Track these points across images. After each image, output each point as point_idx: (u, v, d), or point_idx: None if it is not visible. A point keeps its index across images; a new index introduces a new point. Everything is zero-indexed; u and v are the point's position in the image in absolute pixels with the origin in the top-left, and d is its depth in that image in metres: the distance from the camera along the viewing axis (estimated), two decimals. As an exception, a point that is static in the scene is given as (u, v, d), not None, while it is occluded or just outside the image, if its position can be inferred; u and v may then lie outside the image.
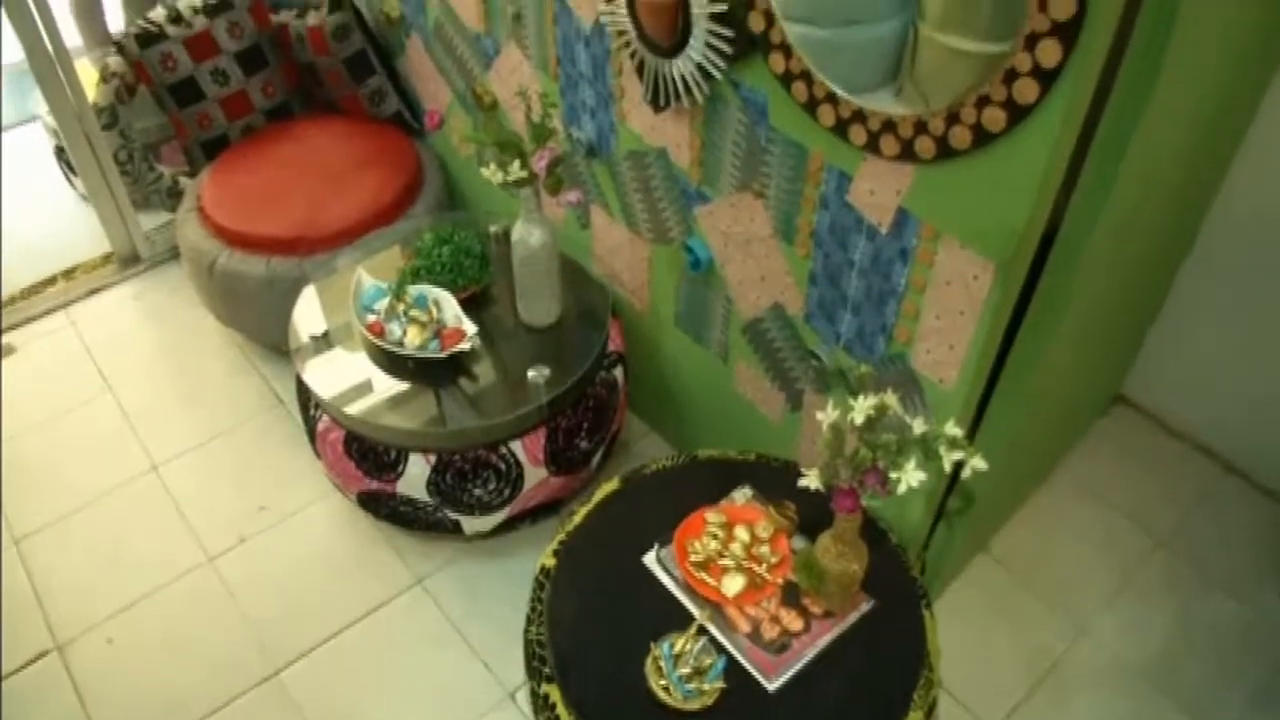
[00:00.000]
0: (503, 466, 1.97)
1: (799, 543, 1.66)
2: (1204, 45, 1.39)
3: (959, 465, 1.29)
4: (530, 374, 1.95)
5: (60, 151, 3.18)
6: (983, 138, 1.28)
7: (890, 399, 1.33)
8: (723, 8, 1.51)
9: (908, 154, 1.39)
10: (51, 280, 2.98)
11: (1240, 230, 2.09)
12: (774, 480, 1.77)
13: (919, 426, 1.32)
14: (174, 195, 2.98)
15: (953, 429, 1.29)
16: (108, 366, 2.72)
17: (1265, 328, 2.16)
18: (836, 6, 1.39)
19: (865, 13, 1.38)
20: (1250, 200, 2.05)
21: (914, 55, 1.36)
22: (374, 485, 2.01)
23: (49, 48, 2.58)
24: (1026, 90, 1.20)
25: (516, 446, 1.96)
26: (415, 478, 1.96)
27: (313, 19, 2.64)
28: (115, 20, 3.62)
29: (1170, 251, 2.15)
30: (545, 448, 1.99)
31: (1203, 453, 2.42)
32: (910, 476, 1.29)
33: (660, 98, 1.73)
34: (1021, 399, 1.65)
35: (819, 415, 1.36)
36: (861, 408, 1.31)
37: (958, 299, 1.46)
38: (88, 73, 2.82)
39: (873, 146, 1.43)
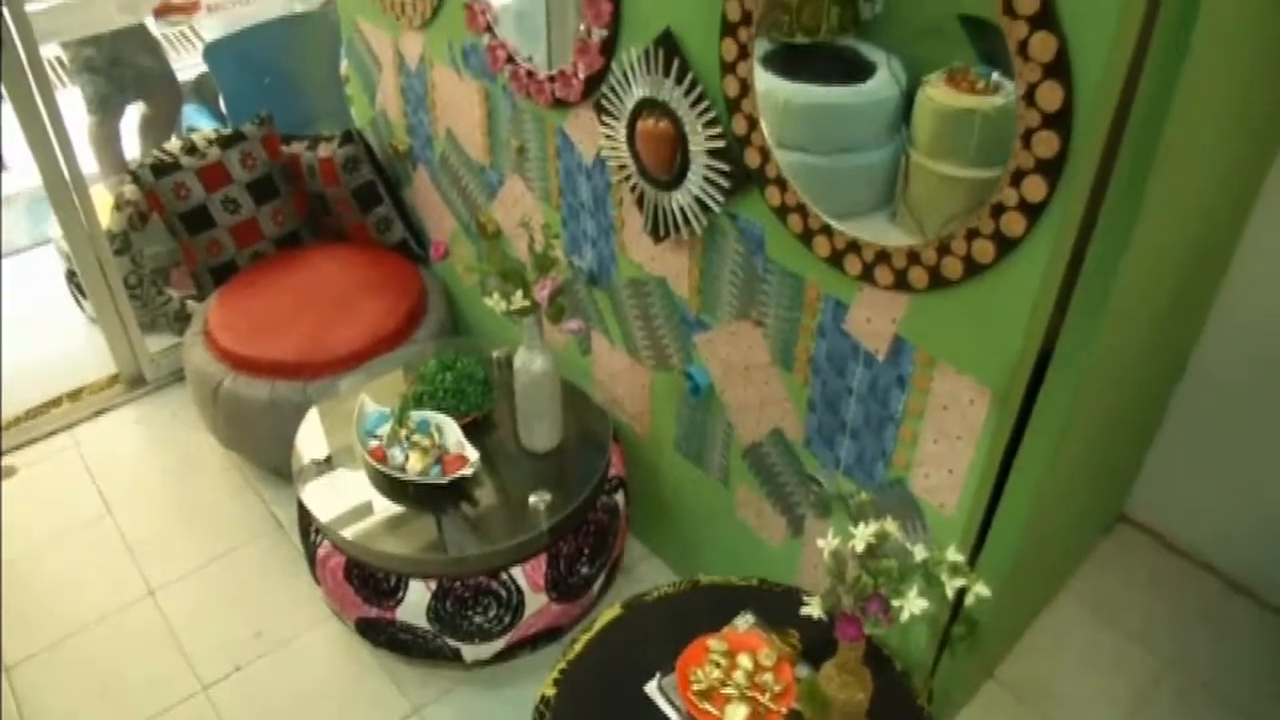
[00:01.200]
0: (504, 593, 1.95)
1: (803, 671, 1.64)
2: (1186, 173, 1.44)
3: (962, 592, 1.29)
4: (532, 499, 1.95)
5: (71, 275, 3.25)
6: (974, 269, 1.32)
7: (890, 526, 1.33)
8: (720, 144, 1.57)
9: (902, 284, 1.43)
10: (56, 401, 3.00)
11: (1234, 344, 2.12)
12: (776, 606, 1.75)
13: (920, 553, 1.32)
14: (181, 318, 3.03)
15: (954, 555, 1.29)
16: (109, 489, 2.72)
17: (1265, 442, 2.16)
18: (831, 135, 1.46)
19: (859, 140, 1.45)
20: (1242, 314, 2.08)
21: (907, 180, 1.41)
22: (373, 612, 1.99)
23: (66, 174, 2.66)
24: (1014, 224, 1.25)
25: (518, 573, 1.95)
26: (415, 605, 1.94)
27: (324, 150, 2.73)
28: (131, 147, 3.76)
29: (1166, 368, 2.18)
30: (547, 574, 1.98)
31: (1208, 571, 2.41)
32: (913, 604, 1.28)
33: (660, 229, 1.79)
34: (1023, 522, 1.66)
35: (820, 543, 1.36)
36: (862, 535, 1.31)
37: (955, 424, 1.48)
38: (102, 199, 2.90)
39: (868, 276, 1.47)
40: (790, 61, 1.51)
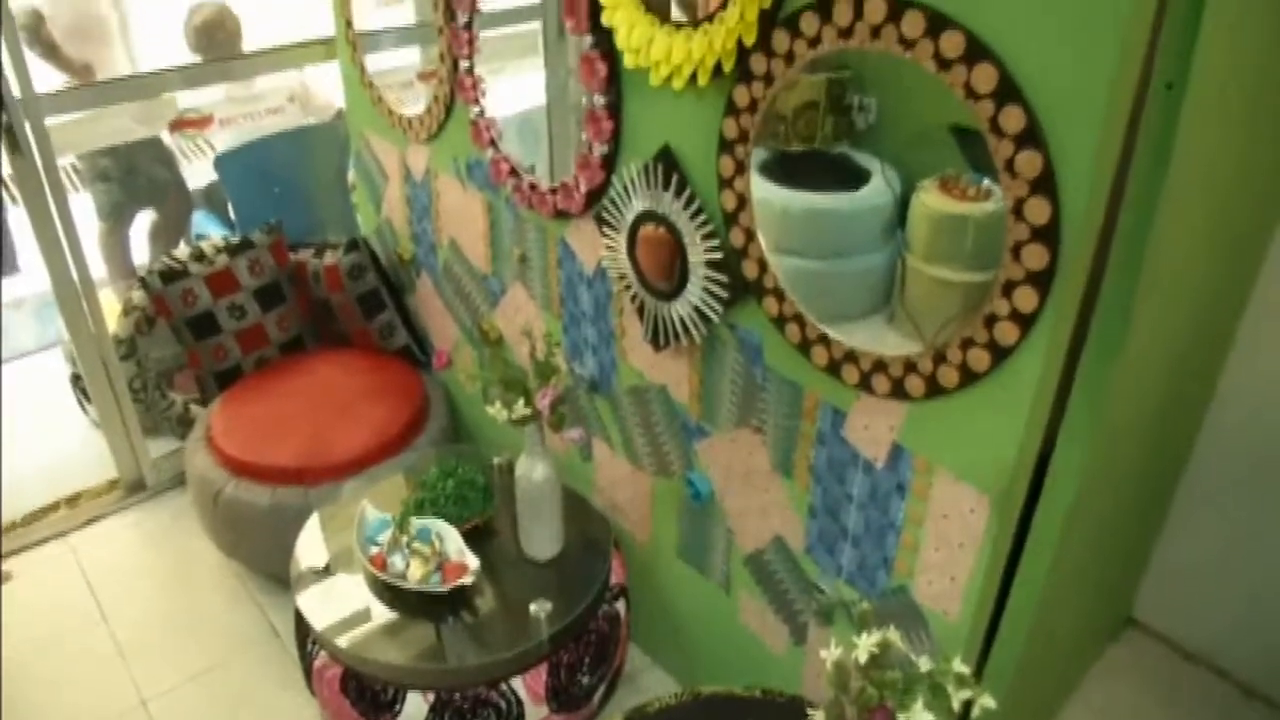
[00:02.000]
0: (503, 704, 1.92)
1: (808, 786, 1.60)
2: (1176, 278, 1.47)
3: (968, 704, 1.27)
4: (532, 608, 1.93)
5: (76, 379, 3.27)
6: (970, 377, 1.34)
7: (893, 636, 1.32)
8: (718, 256, 1.61)
9: (899, 392, 1.44)
10: (55, 506, 2.99)
11: (1235, 439, 2.12)
12: (780, 718, 1.72)
13: (925, 664, 1.30)
14: (184, 423, 3.04)
15: (960, 666, 1.28)
16: (105, 595, 2.69)
17: (1271, 540, 2.15)
18: (828, 240, 1.49)
19: (855, 245, 1.48)
20: (1241, 408, 2.08)
21: (903, 284, 1.44)
22: (370, 725, 1.95)
23: (75, 279, 2.70)
24: (1007, 333, 1.27)
25: (517, 683, 1.92)
26: (413, 718, 1.91)
27: (329, 258, 2.79)
28: (140, 253, 3.83)
29: (1167, 466, 2.18)
30: (547, 684, 1.95)
31: (1220, 676, 2.36)
32: (918, 717, 1.27)
33: (660, 338, 1.82)
34: (1027, 630, 1.64)
35: (823, 654, 1.35)
36: (864, 645, 1.30)
37: (956, 531, 1.48)
38: (110, 304, 2.94)
39: (865, 385, 1.49)
40: (787, 169, 1.55)
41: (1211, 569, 2.29)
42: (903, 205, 1.46)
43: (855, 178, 1.52)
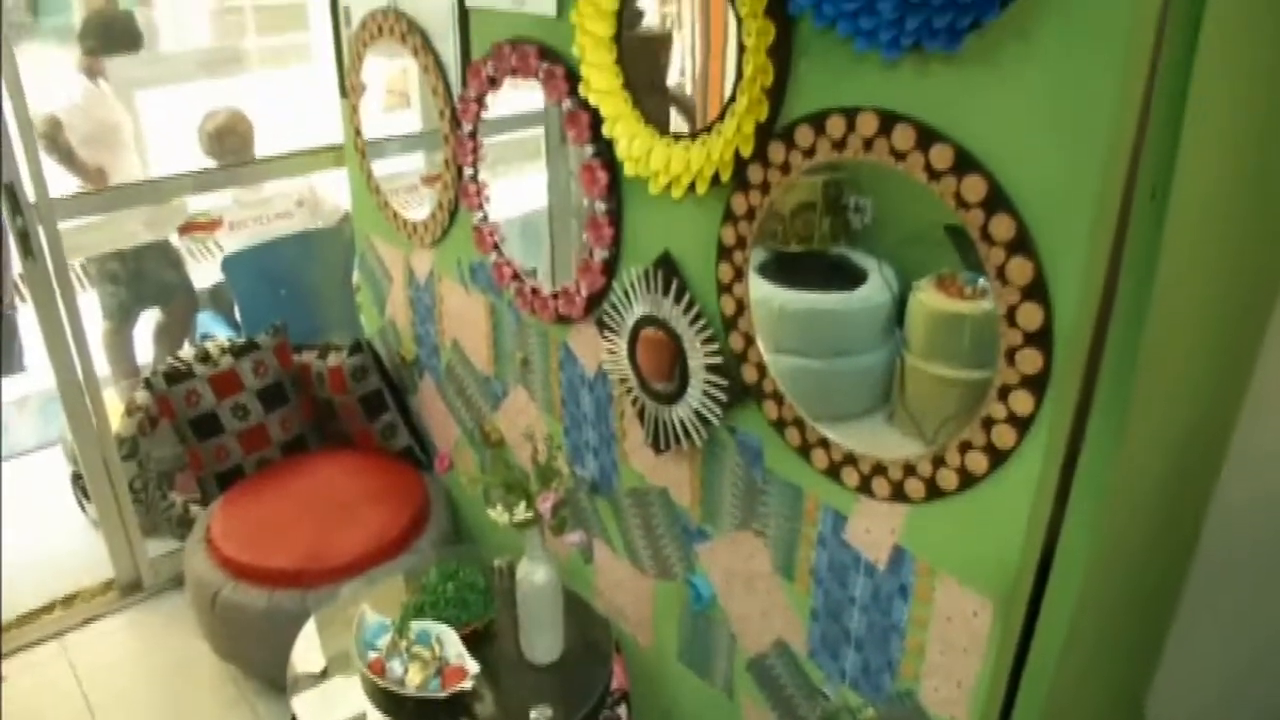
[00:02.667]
0: (501, 815, 1.87)
1: None
2: (1171, 376, 1.48)
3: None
4: (533, 715, 1.90)
5: (77, 477, 3.26)
6: (969, 480, 1.35)
7: (899, 745, 1.30)
8: (718, 360, 1.63)
9: (899, 495, 1.45)
10: (49, 608, 2.96)
11: (1241, 524, 2.09)
12: (786, 831, 1.68)
13: (932, 775, 1.28)
14: (184, 524, 3.02)
15: (967, 779, 1.26)
16: (98, 698, 2.64)
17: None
18: (827, 339, 1.51)
19: (854, 344, 1.50)
20: (1247, 488, 2.05)
21: (903, 382, 1.45)
22: (364, 838, 1.90)
23: (80, 378, 2.72)
24: (1005, 437, 1.28)
25: (516, 793, 1.88)
26: (408, 830, 1.86)
27: (333, 359, 2.81)
28: (144, 352, 3.86)
29: (1175, 556, 2.15)
30: (546, 794, 1.91)
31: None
32: (927, 832, 1.24)
33: (661, 441, 1.83)
34: (1036, 737, 1.61)
35: (828, 765, 1.33)
36: (871, 756, 1.28)
37: (960, 635, 1.46)
38: (112, 402, 2.96)
39: (865, 488, 1.49)
40: (785, 269, 1.58)
41: (1226, 666, 2.24)
42: (900, 304, 1.48)
43: (853, 277, 1.55)
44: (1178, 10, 1.09)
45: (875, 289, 1.52)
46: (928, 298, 1.43)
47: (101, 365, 3.24)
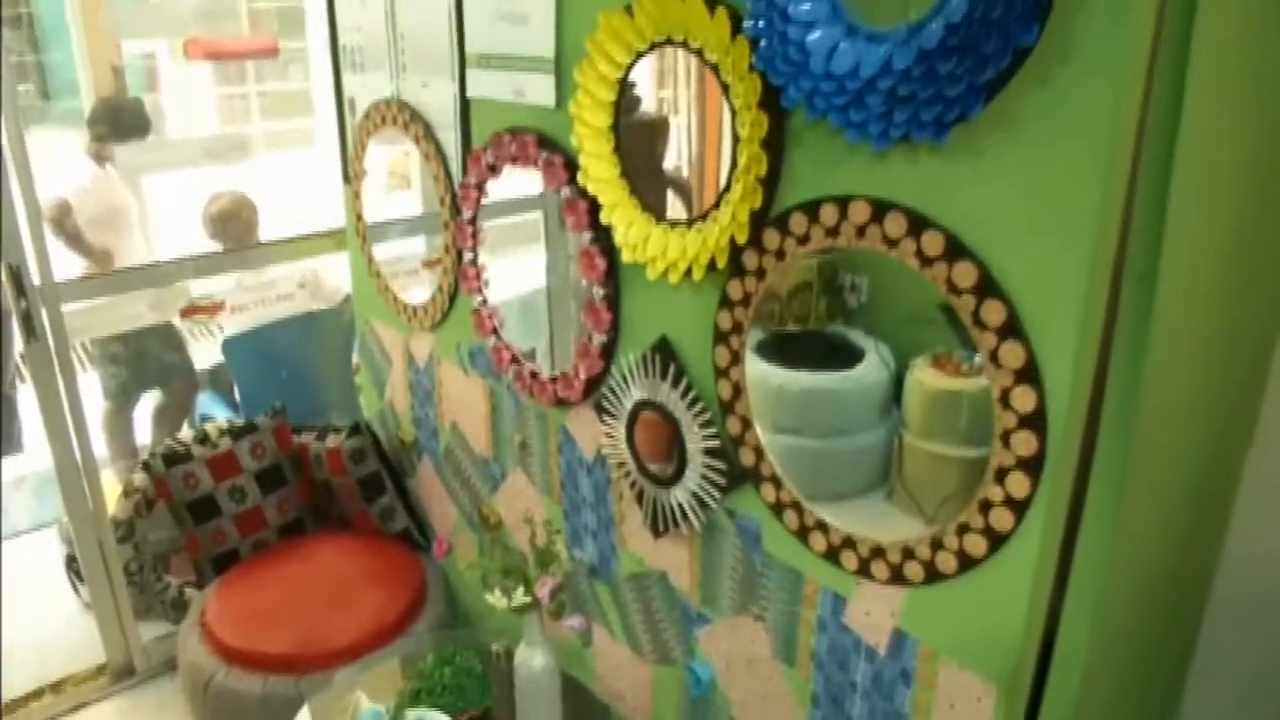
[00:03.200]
0: None
1: None
2: (1167, 452, 1.48)
3: None
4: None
5: (71, 560, 3.24)
6: (968, 563, 1.34)
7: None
8: (715, 444, 1.64)
9: (899, 578, 1.44)
10: (39, 693, 2.91)
11: (1245, 601, 2.06)
12: None
13: None
14: (178, 607, 2.99)
15: None
16: (85, 793, 2.59)
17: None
18: (825, 418, 1.52)
19: (852, 423, 1.51)
20: (1250, 560, 2.03)
21: (901, 460, 1.46)
22: None
23: (78, 460, 2.71)
24: (1003, 519, 1.28)
25: None
26: None
27: (332, 441, 2.81)
28: (142, 432, 3.86)
29: (1176, 641, 2.12)
30: None
31: None
32: None
33: (659, 524, 1.83)
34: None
35: None
36: None
37: (965, 721, 1.45)
38: (109, 484, 2.95)
39: (864, 571, 1.49)
40: (783, 349, 1.60)
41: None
42: (898, 382, 1.50)
43: (850, 356, 1.57)
44: (1160, 101, 1.13)
45: (872, 368, 1.54)
46: (924, 376, 1.44)
47: (100, 446, 3.24)
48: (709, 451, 1.65)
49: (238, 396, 3.65)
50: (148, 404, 3.97)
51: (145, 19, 2.83)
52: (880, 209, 1.30)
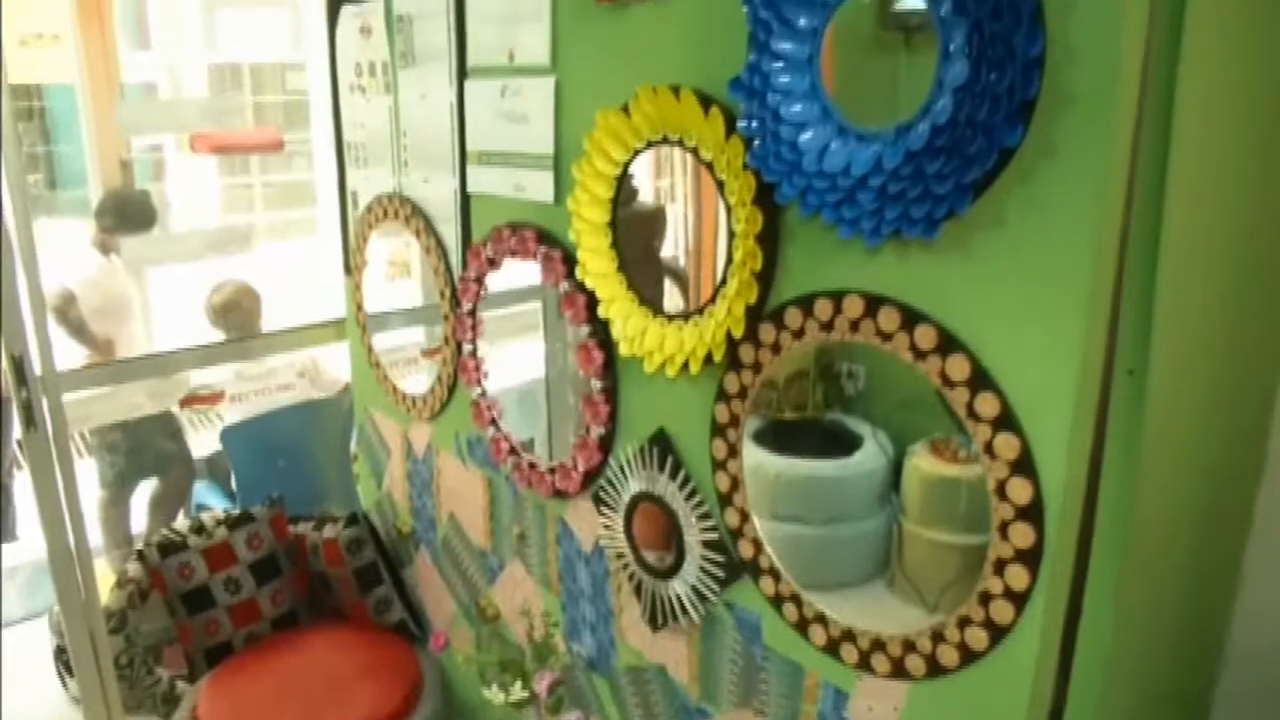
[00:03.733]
0: None
1: None
2: (1165, 544, 1.48)
3: None
4: None
5: (60, 652, 3.19)
6: (969, 656, 1.33)
7: None
8: (713, 536, 1.63)
9: (900, 672, 1.43)
10: (18, 796, 2.85)
11: (1251, 688, 2.02)
12: None
13: None
14: (169, 701, 2.94)
15: None
16: None
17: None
18: (823, 506, 1.52)
19: (851, 511, 1.51)
20: (1256, 645, 2.00)
21: (901, 548, 1.45)
22: None
23: (72, 550, 2.69)
24: (1003, 612, 1.28)
25: None
26: None
27: (329, 531, 2.80)
28: (138, 520, 3.84)
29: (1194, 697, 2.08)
30: None
31: None
32: None
33: (658, 617, 1.81)
34: None
35: None
36: None
37: (971, 821, 1.42)
38: (103, 573, 2.92)
39: (865, 665, 1.47)
40: (780, 436, 1.61)
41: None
42: (896, 469, 1.50)
43: (848, 443, 1.58)
44: (1144, 197, 1.16)
45: (870, 455, 1.55)
46: (922, 462, 1.45)
47: (94, 535, 3.22)
48: (707, 544, 1.65)
49: (235, 485, 3.64)
50: (144, 492, 3.95)
51: (155, 117, 2.89)
52: (874, 303, 1.32)
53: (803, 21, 1.29)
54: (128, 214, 3.99)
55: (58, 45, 6.05)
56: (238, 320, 3.82)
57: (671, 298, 1.82)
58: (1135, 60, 1.09)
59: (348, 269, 2.73)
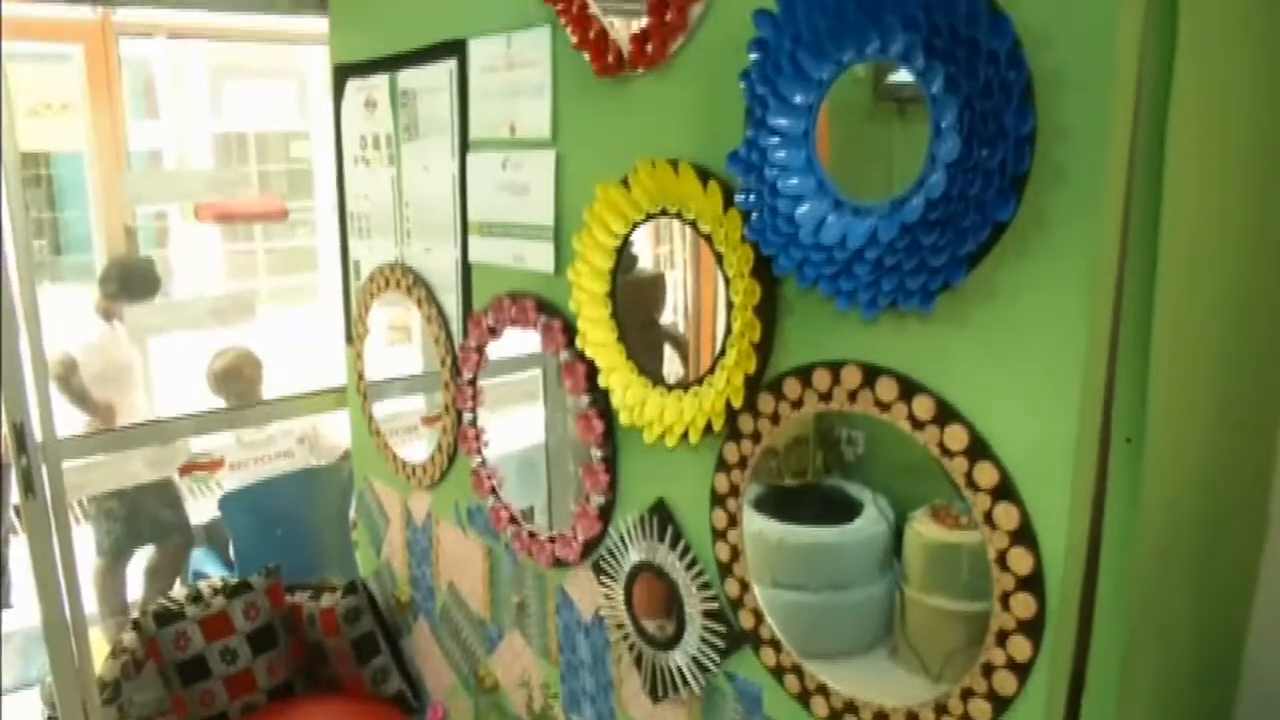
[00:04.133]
0: None
1: None
2: (1168, 613, 1.47)
3: None
4: None
5: (51, 723, 3.15)
6: (973, 729, 1.32)
7: None
8: (714, 605, 1.63)
9: (904, 747, 1.41)
10: None
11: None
12: None
13: None
14: (162, 775, 2.90)
15: None
16: None
17: None
18: (824, 573, 1.52)
19: (852, 578, 1.50)
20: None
21: (903, 615, 1.44)
22: None
23: (67, 618, 2.66)
24: (1006, 684, 1.27)
25: None
26: None
27: (326, 601, 2.78)
28: (134, 585, 3.81)
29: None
30: None
31: None
32: None
33: (658, 688, 1.79)
34: None
35: None
36: None
37: None
38: (97, 642, 2.89)
39: (868, 737, 1.46)
40: (781, 502, 1.61)
41: None
42: (897, 535, 1.50)
43: (849, 509, 1.58)
44: (1135, 271, 1.18)
45: (871, 520, 1.55)
46: (924, 529, 1.45)
47: (90, 603, 3.19)
48: (708, 614, 1.64)
49: (233, 553, 3.62)
50: (140, 560, 3.93)
51: (161, 188, 2.94)
52: (871, 374, 1.33)
53: (798, 98, 1.32)
54: (132, 282, 4.03)
55: (67, 115, 6.17)
56: (239, 387, 3.84)
57: (671, 364, 1.83)
58: (1124, 138, 1.11)
59: (349, 338, 2.75)
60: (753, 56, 1.34)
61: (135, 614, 2.78)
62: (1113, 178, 1.10)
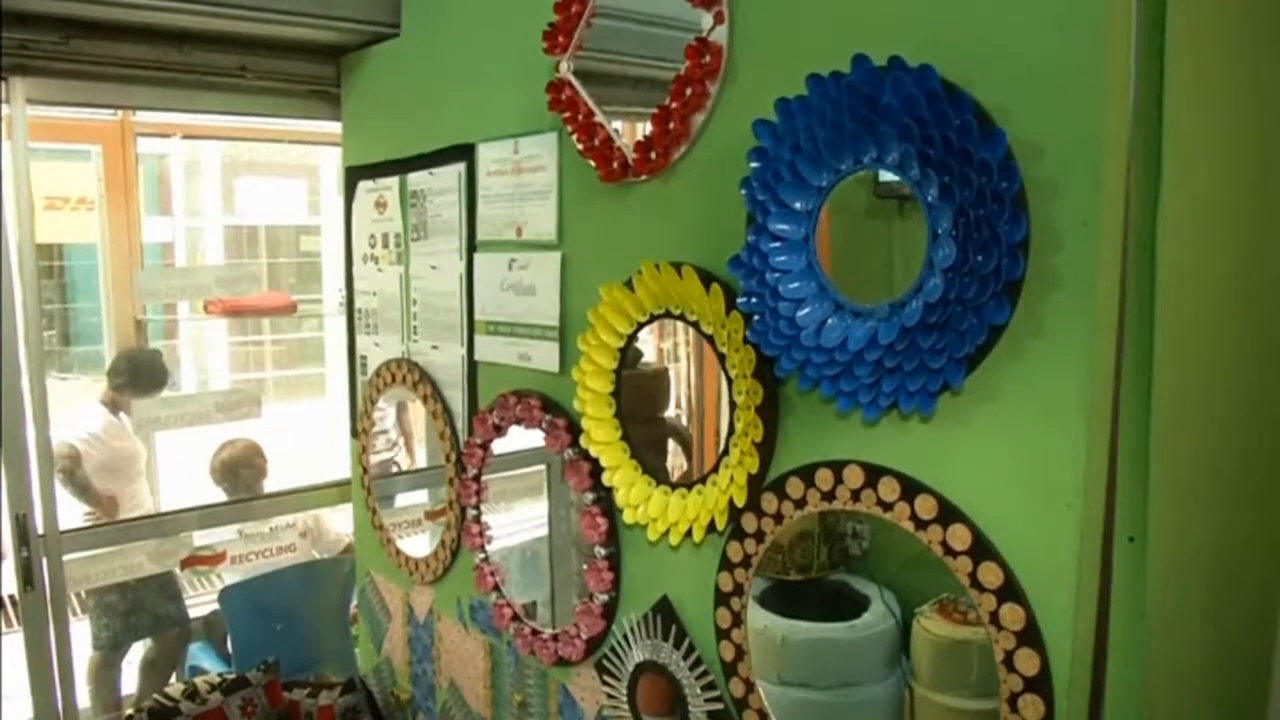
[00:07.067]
0: None
1: None
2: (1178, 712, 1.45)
3: None
4: None
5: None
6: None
7: None
8: (718, 706, 1.60)
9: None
10: None
11: None
12: None
13: None
14: None
15: None
16: None
17: None
18: (831, 670, 1.49)
19: (860, 674, 1.48)
20: None
21: (913, 714, 1.42)
22: None
23: (59, 713, 2.61)
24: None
25: None
26: None
27: (325, 698, 2.73)
28: (129, 678, 3.74)
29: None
30: None
31: None
32: None
33: (662, 788, 1.76)
34: None
35: None
36: None
37: None
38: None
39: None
40: (786, 598, 1.59)
41: None
42: (905, 630, 1.48)
43: (855, 604, 1.56)
44: (1131, 371, 1.19)
45: (878, 616, 1.53)
46: (931, 625, 1.43)
47: (83, 696, 3.13)
48: (712, 715, 1.61)
49: (231, 647, 3.57)
50: (136, 652, 3.87)
51: (173, 285, 3.00)
52: (874, 474, 1.34)
53: (798, 204, 1.36)
54: (139, 376, 4.05)
55: (81, 209, 6.29)
56: (245, 477, 3.83)
57: (675, 458, 1.84)
58: (1115, 243, 1.14)
59: (354, 432, 2.76)
60: (753, 164, 1.38)
61: (129, 710, 2.73)
62: (1105, 282, 1.13)
